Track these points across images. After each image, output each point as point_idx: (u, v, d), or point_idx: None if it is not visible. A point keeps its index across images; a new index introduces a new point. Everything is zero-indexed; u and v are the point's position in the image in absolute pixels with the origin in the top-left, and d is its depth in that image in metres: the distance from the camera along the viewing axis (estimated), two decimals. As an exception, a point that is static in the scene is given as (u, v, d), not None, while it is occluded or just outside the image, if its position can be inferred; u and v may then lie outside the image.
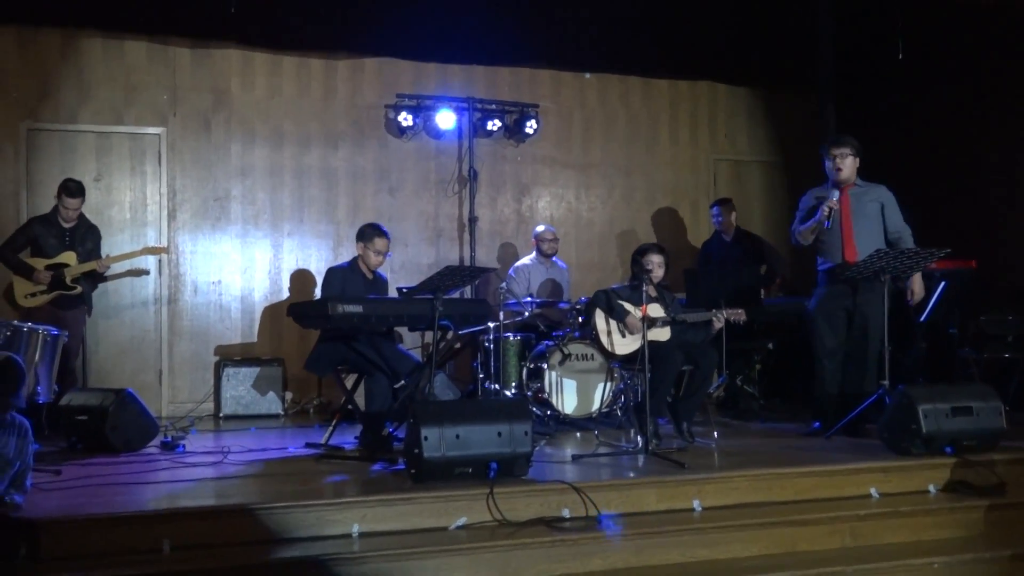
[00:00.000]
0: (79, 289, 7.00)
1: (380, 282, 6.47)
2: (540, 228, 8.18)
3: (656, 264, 6.12)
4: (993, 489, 5.03)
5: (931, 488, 5.09)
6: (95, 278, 7.20)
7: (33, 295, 6.89)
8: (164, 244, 7.97)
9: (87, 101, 7.98)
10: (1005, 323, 7.35)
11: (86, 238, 7.10)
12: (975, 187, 8.28)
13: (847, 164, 6.16)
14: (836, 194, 6.10)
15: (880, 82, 8.95)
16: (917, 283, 6.18)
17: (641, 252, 6.15)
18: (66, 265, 6.94)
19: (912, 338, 7.41)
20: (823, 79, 8.76)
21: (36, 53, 7.88)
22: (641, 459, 5.39)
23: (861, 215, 6.17)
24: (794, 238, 6.35)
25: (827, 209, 6.07)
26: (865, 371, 6.14)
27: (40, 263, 6.92)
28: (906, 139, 8.78)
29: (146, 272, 8.05)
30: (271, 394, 7.90)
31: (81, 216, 7.11)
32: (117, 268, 7.42)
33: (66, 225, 7.04)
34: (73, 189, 6.98)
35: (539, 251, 8.06)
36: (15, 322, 5.96)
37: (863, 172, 6.31)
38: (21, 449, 4.10)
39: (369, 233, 6.33)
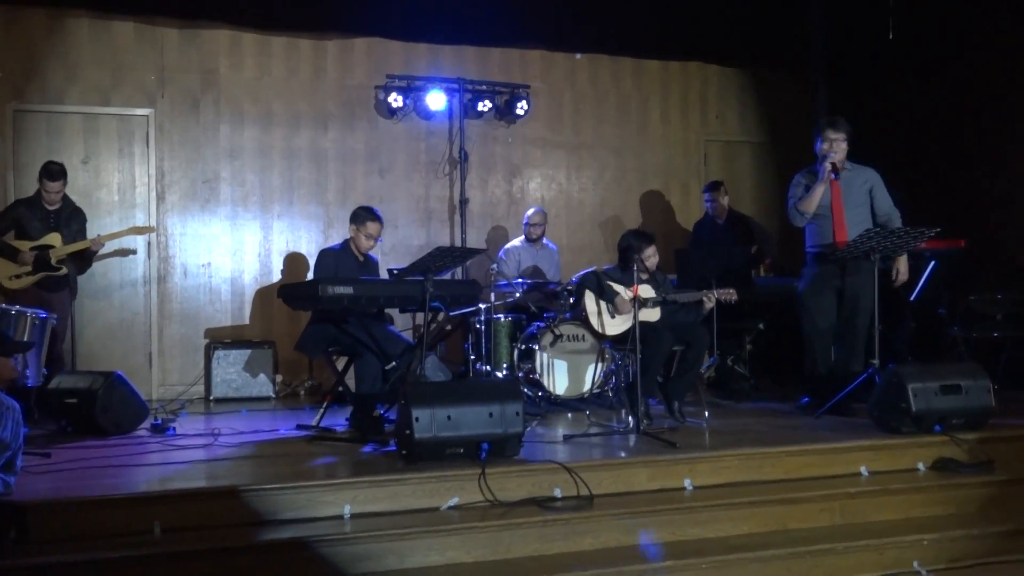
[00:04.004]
0: (64, 270, 6.96)
1: (371, 264, 6.47)
2: (530, 212, 8.17)
3: (649, 255, 6.11)
4: (982, 467, 5.07)
5: (920, 466, 5.12)
6: (84, 259, 7.17)
7: (18, 277, 6.85)
8: (152, 224, 7.94)
9: (74, 82, 7.92)
10: (994, 302, 7.38)
11: (71, 220, 7.06)
12: (965, 167, 8.29)
13: (842, 148, 6.14)
14: (829, 166, 6.09)
15: (871, 62, 8.94)
16: (903, 263, 6.19)
17: (636, 247, 6.03)
18: (51, 247, 6.90)
19: (902, 317, 7.44)
20: (814, 59, 8.75)
21: (22, 33, 7.80)
22: (632, 439, 5.40)
23: (851, 199, 6.18)
24: (793, 217, 6.27)
25: (829, 165, 6.06)
26: (854, 350, 6.16)
27: (25, 245, 6.87)
28: (896, 119, 8.78)
29: (133, 252, 8.02)
30: (262, 376, 7.89)
31: (65, 198, 7.07)
32: (103, 248, 7.39)
33: (50, 208, 6.99)
34: (54, 172, 6.92)
35: (526, 236, 8.06)
36: (3, 305, 5.92)
37: (853, 151, 6.30)
38: (15, 432, 4.09)
39: (363, 216, 6.32)
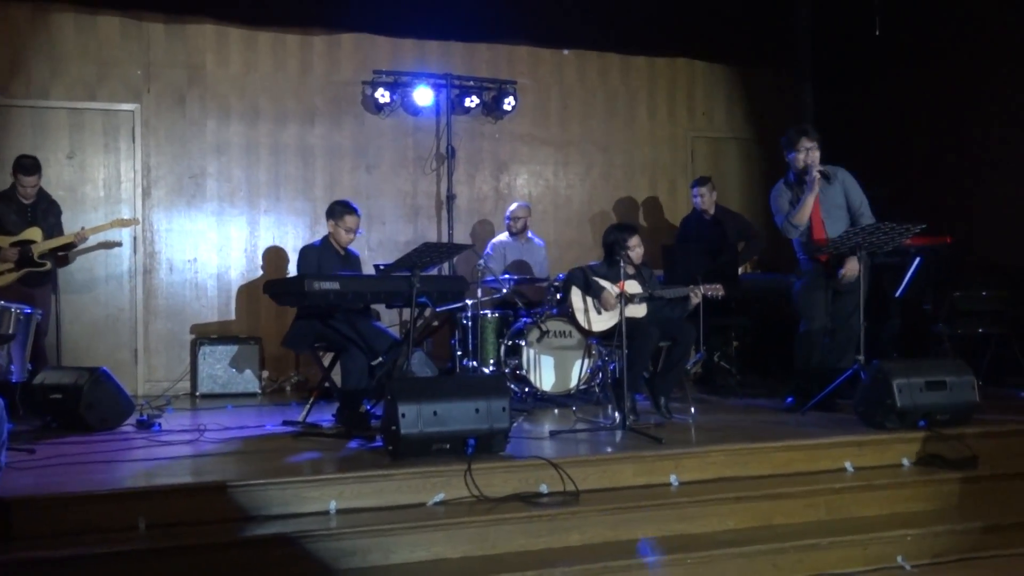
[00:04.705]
0: (48, 265, 6.93)
1: (352, 258, 6.45)
2: (513, 206, 8.17)
3: (634, 245, 6.11)
4: (966, 462, 5.08)
5: (905, 462, 5.14)
6: (61, 256, 7.12)
7: (0, 274, 6.80)
8: (136, 218, 7.89)
9: (59, 77, 7.88)
10: (979, 299, 7.41)
11: (48, 213, 7.03)
12: (951, 163, 8.33)
13: (815, 157, 6.14)
14: (817, 175, 6.08)
15: (857, 59, 8.97)
16: (852, 262, 6.08)
17: (620, 240, 6.07)
18: (32, 241, 6.86)
19: (887, 314, 7.47)
20: (800, 56, 8.78)
21: (7, 28, 7.76)
22: (619, 435, 5.41)
23: (829, 203, 6.20)
24: (787, 231, 6.24)
25: (817, 174, 6.05)
26: (846, 347, 6.18)
27: (4, 241, 6.82)
28: (882, 116, 8.82)
29: (118, 244, 7.98)
30: (248, 372, 7.87)
31: (40, 191, 7.03)
32: (87, 242, 7.37)
33: (26, 201, 6.95)
34: (28, 166, 6.88)
35: (508, 230, 8.07)
36: (-13, 300, 5.88)
37: (840, 147, 6.32)
38: (-1, 427, 4.08)
39: (339, 210, 6.30)
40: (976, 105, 8.16)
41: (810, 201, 6.11)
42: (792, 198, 6.24)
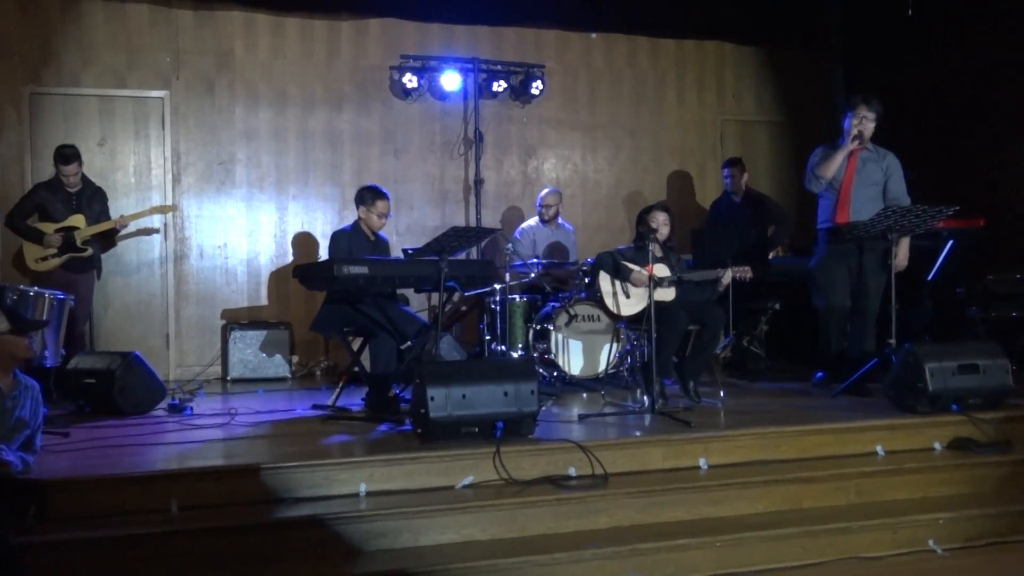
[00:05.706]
0: (90, 251, 7.04)
1: (382, 243, 6.48)
2: (544, 192, 8.15)
3: (661, 222, 6.10)
4: (999, 446, 5.04)
5: (937, 445, 5.10)
6: (107, 238, 7.23)
7: (44, 259, 6.92)
8: (174, 204, 7.98)
9: (89, 65, 7.94)
10: (1013, 282, 7.31)
11: (93, 200, 7.13)
12: (984, 145, 8.21)
13: (869, 128, 6.11)
14: (856, 131, 6.04)
15: (889, 40, 8.85)
16: (903, 249, 6.06)
17: (646, 210, 6.14)
18: (76, 228, 6.97)
19: (919, 297, 7.39)
20: (831, 38, 8.68)
21: (37, 16, 7.82)
22: (648, 418, 5.40)
23: (865, 180, 6.14)
24: (809, 181, 6.23)
25: (856, 131, 6.03)
26: (866, 329, 6.13)
27: (49, 227, 6.95)
28: (915, 97, 8.68)
29: (157, 231, 8.06)
30: (278, 357, 7.92)
31: (85, 179, 7.13)
32: (128, 228, 7.45)
33: (71, 190, 7.05)
34: (68, 156, 6.97)
35: (540, 217, 8.05)
36: (21, 286, 5.96)
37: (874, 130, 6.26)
38: (35, 411, 4.14)
39: (369, 197, 6.31)
40: (1010, 85, 8.03)
41: (839, 156, 6.06)
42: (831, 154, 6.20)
